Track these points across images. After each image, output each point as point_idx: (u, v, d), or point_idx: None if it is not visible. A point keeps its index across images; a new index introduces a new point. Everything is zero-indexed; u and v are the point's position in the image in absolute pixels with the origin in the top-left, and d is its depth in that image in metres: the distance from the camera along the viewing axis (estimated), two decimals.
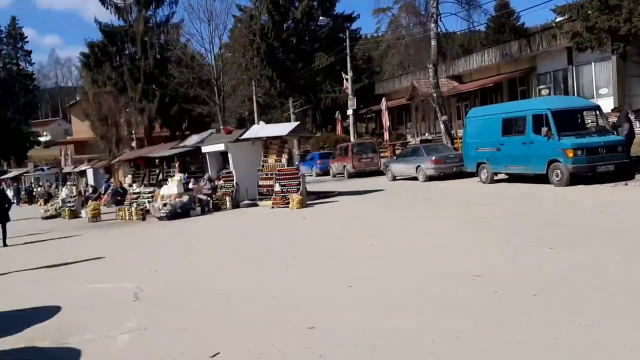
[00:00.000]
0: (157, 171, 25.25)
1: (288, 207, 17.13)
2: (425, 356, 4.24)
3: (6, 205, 15.38)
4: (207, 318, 5.88)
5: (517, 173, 17.31)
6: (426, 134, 41.25)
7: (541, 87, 29.08)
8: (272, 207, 17.70)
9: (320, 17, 41.17)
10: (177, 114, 41.66)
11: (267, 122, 28.53)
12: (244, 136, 19.74)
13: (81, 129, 59.83)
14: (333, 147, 40.47)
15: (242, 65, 29.98)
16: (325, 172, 32.85)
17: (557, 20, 23.08)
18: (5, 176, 57.26)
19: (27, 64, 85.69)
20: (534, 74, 31.13)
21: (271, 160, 19.46)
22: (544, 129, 15.40)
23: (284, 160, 19.12)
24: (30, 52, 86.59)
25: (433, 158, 21.64)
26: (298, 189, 17.61)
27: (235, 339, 5.07)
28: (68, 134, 76.31)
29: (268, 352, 4.61)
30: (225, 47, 30.88)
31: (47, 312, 6.72)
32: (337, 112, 44.27)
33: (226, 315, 5.91)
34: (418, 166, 22.08)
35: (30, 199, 40.57)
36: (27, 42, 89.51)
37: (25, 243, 15.39)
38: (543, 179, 15.66)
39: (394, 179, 24.14)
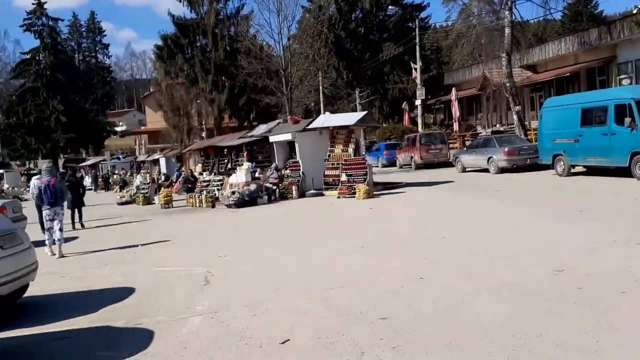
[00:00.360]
0: (226, 160, 25.69)
1: (354, 197, 16.97)
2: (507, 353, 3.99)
3: (81, 191, 16.53)
4: (277, 304, 5.83)
5: (597, 166, 16.39)
6: (497, 125, 39.97)
7: (622, 76, 27.45)
8: (338, 197, 17.59)
9: (390, 7, 40.56)
10: (245, 105, 42.32)
11: (333, 112, 28.41)
12: (311, 126, 19.71)
13: (154, 120, 61.96)
14: (400, 138, 39.92)
15: (309, 56, 29.92)
16: (391, 163, 32.42)
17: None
18: (83, 164, 60.22)
19: (105, 57, 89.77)
20: (614, 63, 29.45)
21: (338, 150, 19.33)
22: (628, 120, 14.49)
23: (350, 150, 18.95)
24: (108, 45, 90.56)
25: (506, 149, 20.86)
26: (365, 179, 17.40)
27: (305, 326, 4.98)
28: (142, 124, 79.25)
29: (339, 341, 4.48)
30: (293, 38, 30.89)
31: (121, 293, 6.89)
32: (405, 102, 43.60)
33: (296, 301, 5.84)
34: (490, 157, 21.37)
35: (107, 186, 42.41)
36: (105, 35, 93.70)
37: (101, 226, 16.06)
38: (625, 172, 14.74)
39: (464, 170, 23.49)
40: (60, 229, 10.94)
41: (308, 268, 7.52)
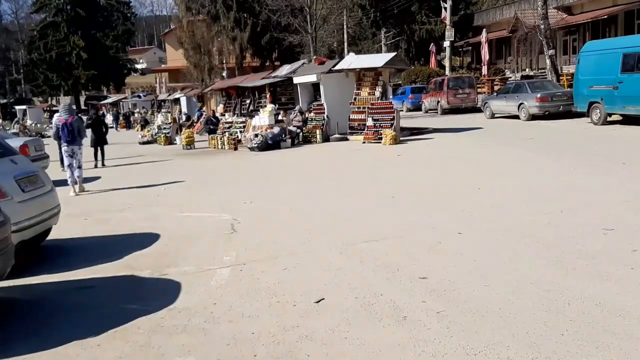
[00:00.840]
0: (248, 101, 25.22)
1: (380, 142, 16.52)
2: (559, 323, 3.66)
3: (104, 130, 16.56)
4: (309, 256, 5.56)
5: (636, 115, 15.64)
6: (526, 70, 38.65)
7: None
8: (364, 142, 17.16)
9: None
10: (268, 44, 41.26)
11: (357, 53, 27.45)
12: (337, 67, 19.04)
13: (175, 58, 61.09)
14: (426, 81, 38.86)
15: None
16: (417, 108, 31.62)
17: None
18: (105, 101, 60.16)
19: None
20: None
21: (364, 93, 18.73)
22: None
23: (377, 93, 18.34)
24: None
25: (538, 95, 20.04)
26: (392, 124, 16.88)
27: (340, 283, 4.70)
28: (163, 62, 78.48)
29: (377, 302, 4.20)
30: None
31: (145, 240, 6.69)
32: (432, 44, 42.19)
33: (329, 255, 5.55)
34: (521, 104, 20.59)
35: (128, 124, 42.35)
36: None
37: (123, 165, 15.93)
38: None
39: (493, 116, 22.76)
40: (79, 167, 11.21)
41: (338, 219, 7.21)
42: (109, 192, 11.16)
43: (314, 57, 22.89)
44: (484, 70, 33.99)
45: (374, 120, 17.31)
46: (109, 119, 46.21)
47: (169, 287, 4.89)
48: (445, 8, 33.38)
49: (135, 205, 9.37)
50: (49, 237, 6.91)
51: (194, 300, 4.52)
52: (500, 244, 5.49)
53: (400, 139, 16.64)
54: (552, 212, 6.62)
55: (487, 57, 33.97)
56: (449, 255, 5.25)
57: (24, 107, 53.69)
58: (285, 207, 8.26)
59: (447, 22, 33.24)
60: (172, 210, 8.63)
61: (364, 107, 18.42)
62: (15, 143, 12.27)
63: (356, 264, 5.16)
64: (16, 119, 44.05)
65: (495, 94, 24.61)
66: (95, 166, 15.74)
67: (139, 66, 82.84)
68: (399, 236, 6.05)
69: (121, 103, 56.89)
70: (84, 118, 17.04)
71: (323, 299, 4.30)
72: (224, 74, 43.91)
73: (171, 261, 5.74)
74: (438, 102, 28.24)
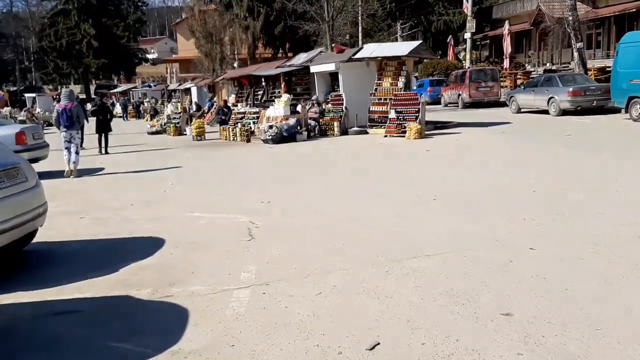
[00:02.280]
0: (261, 91, 24.14)
1: (404, 136, 15.40)
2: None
3: (109, 117, 16.66)
4: (347, 276, 4.46)
5: None
6: (547, 64, 37.29)
7: None
8: (385, 136, 16.04)
9: None
10: (281, 33, 40.11)
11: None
12: (357, 56, 17.90)
13: (186, 48, 60.05)
14: (444, 74, 37.58)
15: None
16: (435, 101, 30.38)
17: None
18: (114, 90, 59.31)
19: None
20: None
21: (386, 83, 17.58)
22: None
23: (400, 83, 17.19)
24: None
25: (570, 89, 18.79)
26: (416, 117, 15.74)
27: (395, 318, 3.59)
28: (174, 52, 77.45)
29: (455, 353, 3.10)
30: None
31: (148, 247, 5.63)
32: (450, 36, 40.84)
33: (372, 276, 4.45)
34: (551, 98, 19.35)
35: (138, 114, 41.43)
36: None
37: (129, 152, 14.89)
38: None
39: (519, 111, 21.53)
40: (77, 152, 11.63)
41: (374, 225, 6.10)
42: (111, 185, 10.13)
43: (333, 45, 21.71)
44: (506, 63, 32.65)
45: (397, 112, 16.16)
46: (118, 108, 45.42)
47: (174, 317, 3.82)
48: None
49: (139, 202, 8.31)
50: (36, 240, 5.87)
51: (205, 339, 3.44)
52: (590, 266, 4.37)
53: (425, 133, 15.51)
54: (611, 216, 5.50)
55: (509, 50, 32.60)
56: (529, 280, 4.13)
57: (33, 95, 52.92)
58: (308, 209, 7.17)
59: (468, 13, 32.00)
60: (180, 210, 7.58)
61: (385, 99, 17.30)
62: (10, 130, 11.28)
63: (410, 290, 4.06)
64: (25, 108, 43.23)
65: (522, 87, 23.36)
66: (99, 152, 15.97)
67: (150, 56, 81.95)
68: (455, 251, 4.93)
69: (131, 92, 55.99)
70: (89, 105, 16.78)
71: (378, 344, 3.20)
72: (235, 64, 42.81)
73: (177, 277, 4.68)
74: (459, 95, 27.02)
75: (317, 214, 6.89)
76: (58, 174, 11.83)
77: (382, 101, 17.41)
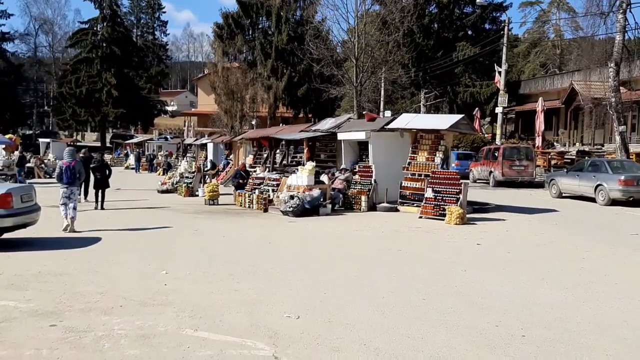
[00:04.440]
0: (282, 155, 22.69)
1: (442, 219, 13.66)
2: None
3: (107, 173, 16.73)
4: None
5: None
6: (577, 144, 35.88)
7: None
8: (420, 217, 14.30)
9: (467, 6, 36.45)
10: (304, 95, 39.22)
11: (395, 113, 24.95)
12: (390, 125, 16.41)
13: (206, 102, 59.74)
14: (470, 147, 36.19)
15: (385, 44, 26.41)
16: (463, 176, 28.66)
17: None
18: (130, 141, 58.58)
19: (162, 35, 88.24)
20: None
21: (421, 157, 16.01)
22: None
23: (438, 159, 15.60)
24: (167, 22, 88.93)
25: (622, 178, 17.11)
26: (457, 200, 14.01)
27: None
28: (193, 106, 77.57)
29: None
30: (366, 24, 27.33)
31: None
32: (476, 109, 39.71)
33: None
34: (599, 185, 17.66)
35: (150, 167, 40.23)
36: (164, 12, 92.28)
37: (132, 219, 13.16)
38: None
39: (560, 195, 19.77)
40: (74, 207, 11.91)
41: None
42: (103, 266, 8.36)
43: (365, 112, 20.32)
44: (538, 141, 31.15)
45: (435, 192, 14.47)
46: (131, 159, 44.31)
47: None
48: (500, 72, 31.06)
49: (131, 300, 6.53)
50: None
51: None
52: None
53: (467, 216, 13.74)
54: None
55: (542, 128, 31.20)
56: None
57: (48, 140, 52.20)
58: (356, 339, 5.32)
59: (501, 87, 30.89)
60: (180, 320, 5.77)
61: (420, 174, 15.70)
62: None
63: None
64: (32, 155, 42.15)
65: (564, 170, 21.67)
66: (95, 208, 16.04)
67: (169, 108, 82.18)
68: None
69: (147, 144, 55.17)
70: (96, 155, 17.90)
71: None
72: (254, 121, 41.87)
73: None
74: (490, 172, 25.44)
75: (375, 352, 5.03)
76: (42, 244, 10.15)
77: (416, 177, 15.81)
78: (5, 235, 10.34)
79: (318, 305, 6.45)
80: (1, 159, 27.04)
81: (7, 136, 35.32)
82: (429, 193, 14.56)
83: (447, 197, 14.22)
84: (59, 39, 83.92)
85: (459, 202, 13.89)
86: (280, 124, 36.88)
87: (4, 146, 31.40)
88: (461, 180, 14.57)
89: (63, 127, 70.39)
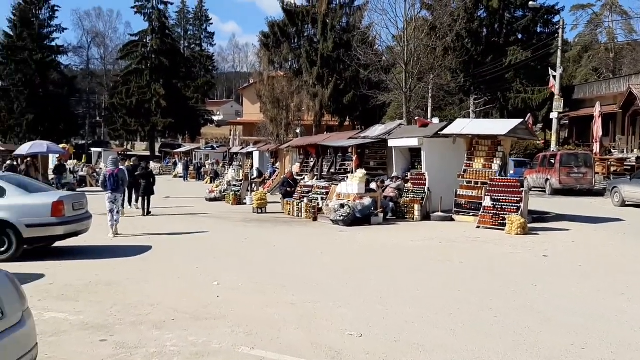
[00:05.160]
0: (329, 163, 22.28)
1: (501, 229, 12.94)
2: None
3: (152, 180, 17.19)
4: None
5: None
6: (635, 150, 34.13)
7: None
8: (478, 227, 13.61)
9: (530, 2, 35.30)
10: (350, 102, 38.77)
11: (442, 120, 24.21)
12: (445, 131, 15.79)
13: (251, 112, 60.09)
14: (522, 154, 34.99)
15: (433, 50, 25.71)
16: None
17: None
18: (178, 150, 59.43)
19: (209, 46, 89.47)
20: None
21: (477, 164, 15.31)
22: None
23: (495, 166, 14.87)
24: (213, 34, 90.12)
25: None
26: (518, 208, 13.27)
27: None
28: (239, 115, 78.22)
29: None
30: (414, 29, 26.70)
31: None
32: (529, 115, 38.37)
33: None
34: None
35: (198, 175, 40.55)
36: (212, 24, 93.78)
37: (180, 235, 12.98)
38: None
39: (623, 204, 18.67)
40: (118, 212, 12.58)
41: None
42: (153, 276, 8.12)
43: (417, 118, 19.74)
44: (595, 147, 29.74)
45: (494, 200, 13.76)
46: (179, 167, 44.84)
47: None
48: (554, 76, 29.86)
49: (183, 313, 6.22)
50: None
51: None
52: None
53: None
54: None
55: (600, 134, 29.80)
56: None
57: (99, 149, 53.53)
58: (415, 342, 4.82)
59: (556, 91, 29.68)
60: (234, 337, 5.42)
61: (476, 182, 15.00)
62: (46, 199, 9.60)
63: None
64: (84, 163, 43.18)
65: (627, 177, 20.50)
66: (143, 214, 16.56)
67: (215, 118, 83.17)
68: None
69: (194, 153, 55.86)
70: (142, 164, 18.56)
71: None
72: (298, 130, 41.70)
73: None
74: (547, 180, 24.36)
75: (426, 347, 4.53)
76: (93, 252, 10.04)
77: (473, 185, 15.11)
78: (57, 244, 10.32)
79: (381, 321, 5.97)
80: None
81: (61, 146, 36.16)
82: (487, 202, 13.86)
83: (506, 205, 13.49)
84: (110, 51, 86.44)
85: (519, 211, 13.14)
86: (325, 132, 36.63)
87: (58, 156, 32.22)
88: (522, 189, 13.79)
89: (114, 137, 72.16)
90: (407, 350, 5.09)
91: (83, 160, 44.60)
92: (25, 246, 9.35)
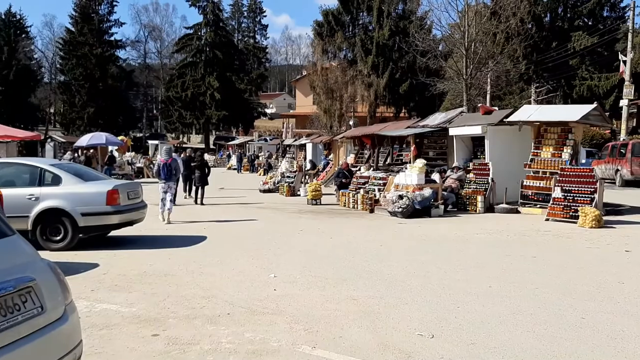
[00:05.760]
0: (386, 154, 21.67)
1: (573, 222, 12.06)
2: None
3: (206, 171, 17.20)
4: None
5: None
6: None
7: None
8: (547, 219, 12.75)
9: None
10: (406, 92, 37.83)
11: (502, 109, 23.10)
12: (511, 118, 14.93)
13: (304, 104, 59.88)
14: (589, 143, 33.24)
15: (493, 36, 24.56)
16: None
17: None
18: (232, 142, 59.96)
19: (263, 38, 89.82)
20: None
21: (546, 153, 14.40)
22: None
23: (565, 155, 13.94)
24: (267, 26, 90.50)
25: None
26: (592, 200, 12.34)
27: None
28: (291, 107, 78.28)
29: None
30: (475, 15, 25.59)
31: None
32: (595, 103, 36.40)
33: None
34: None
35: (252, 167, 40.66)
36: (265, 16, 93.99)
37: (234, 218, 12.72)
38: None
39: None
40: (171, 200, 12.89)
41: None
42: (207, 266, 7.81)
43: (480, 105, 18.86)
44: None
45: (565, 191, 12.85)
46: (233, 160, 45.15)
47: None
48: (624, 61, 28.12)
49: (238, 307, 5.84)
50: None
51: None
52: None
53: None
54: None
55: None
56: None
57: (156, 142, 54.59)
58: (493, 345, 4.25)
59: (626, 77, 28.01)
60: (293, 335, 5.00)
61: (545, 172, 14.13)
62: (101, 187, 9.47)
63: None
64: (142, 155, 44.01)
65: None
66: (195, 202, 16.79)
67: (268, 110, 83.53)
68: None
69: (247, 145, 56.21)
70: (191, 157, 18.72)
71: None
72: (351, 122, 41.11)
73: None
74: (617, 170, 22.98)
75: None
76: (148, 242, 9.88)
77: (540, 175, 14.22)
78: (112, 233, 10.21)
79: (453, 321, 5.41)
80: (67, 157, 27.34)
81: (120, 138, 36.93)
82: (557, 193, 12.96)
83: (579, 197, 12.57)
84: (167, 45, 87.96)
85: (594, 203, 12.21)
86: (393, 122, 35.77)
87: (117, 147, 32.85)
88: (597, 179, 12.82)
89: (170, 129, 73.54)
90: (486, 355, 4.52)
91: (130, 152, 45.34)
92: (80, 235, 9.25)
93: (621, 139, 27.16)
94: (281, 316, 5.57)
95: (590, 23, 41.49)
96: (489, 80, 36.88)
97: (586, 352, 4.59)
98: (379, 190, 15.98)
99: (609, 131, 37.21)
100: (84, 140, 28.55)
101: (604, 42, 38.61)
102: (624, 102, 27.77)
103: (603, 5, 41.66)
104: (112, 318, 5.51)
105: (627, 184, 22.42)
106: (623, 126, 28.29)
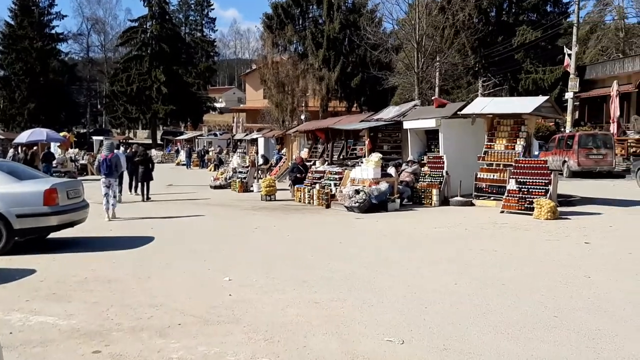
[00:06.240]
0: (340, 148, 21.37)
1: (528, 214, 12.07)
2: None
3: (150, 166, 16.98)
4: None
5: None
6: None
7: None
8: (502, 211, 12.73)
9: None
10: (357, 86, 37.67)
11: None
12: (465, 111, 14.85)
13: (254, 98, 59.08)
14: (535, 135, 34.02)
15: (442, 30, 24.67)
16: None
17: None
18: (180, 137, 58.53)
19: (211, 32, 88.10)
20: None
21: (499, 146, 14.42)
22: None
23: (519, 147, 13.97)
24: (215, 19, 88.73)
25: None
26: (546, 191, 12.37)
27: None
28: (241, 102, 77.16)
29: None
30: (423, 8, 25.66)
31: None
32: (539, 95, 37.26)
33: None
34: None
35: (202, 163, 39.70)
36: (213, 9, 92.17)
37: (185, 214, 12.12)
38: None
39: None
40: (114, 196, 12.81)
41: None
42: (155, 271, 7.26)
43: (434, 98, 18.79)
44: (612, 128, 28.66)
45: (519, 183, 12.85)
46: (182, 155, 44.00)
47: None
48: (569, 55, 28.77)
49: (190, 316, 5.36)
50: None
51: None
52: None
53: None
54: None
55: (617, 114, 28.72)
56: None
57: (101, 137, 52.63)
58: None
59: (571, 70, 28.63)
60: (252, 346, 4.56)
61: (498, 164, 14.12)
62: (38, 187, 8.74)
63: None
64: (85, 151, 42.29)
65: None
66: (143, 199, 16.53)
67: (217, 105, 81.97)
68: None
69: (197, 140, 54.95)
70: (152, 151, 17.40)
71: None
72: (303, 116, 40.69)
73: None
74: (564, 162, 23.46)
75: None
76: (90, 244, 9.19)
77: (494, 167, 14.21)
78: (52, 235, 9.48)
79: (422, 324, 5.10)
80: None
81: (62, 134, 35.30)
82: (511, 185, 12.95)
83: (533, 188, 12.58)
84: (111, 38, 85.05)
85: (548, 194, 12.25)
86: (346, 115, 35.54)
87: (59, 144, 31.34)
88: (550, 170, 12.88)
89: (115, 124, 71.19)
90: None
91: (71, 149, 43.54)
92: (16, 238, 8.50)
93: (567, 131, 27.82)
94: (238, 325, 5.12)
95: (534, 18, 42.40)
96: (437, 74, 37.21)
97: (567, 356, 4.35)
98: (335, 185, 15.65)
99: (553, 123, 38.21)
100: (24, 136, 27.03)
101: (547, 36, 39.56)
102: (569, 95, 28.43)
103: (547, 0, 42.64)
104: (49, 333, 4.93)
105: (574, 174, 22.92)
106: (568, 118, 28.99)
